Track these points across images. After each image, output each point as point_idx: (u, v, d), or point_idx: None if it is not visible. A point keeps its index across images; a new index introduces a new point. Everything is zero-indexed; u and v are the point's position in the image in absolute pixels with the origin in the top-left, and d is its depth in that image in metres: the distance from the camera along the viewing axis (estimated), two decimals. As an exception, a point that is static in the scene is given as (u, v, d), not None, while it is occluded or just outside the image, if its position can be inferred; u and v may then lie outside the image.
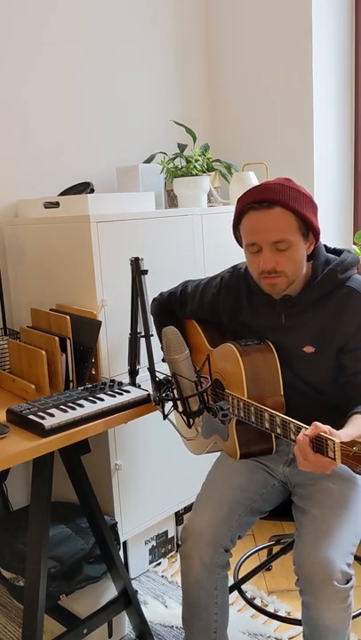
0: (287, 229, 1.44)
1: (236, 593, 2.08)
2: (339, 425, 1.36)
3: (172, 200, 2.49)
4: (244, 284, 1.67)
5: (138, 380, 1.85)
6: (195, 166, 2.34)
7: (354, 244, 2.74)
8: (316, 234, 1.50)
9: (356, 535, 1.45)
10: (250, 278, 1.64)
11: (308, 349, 1.55)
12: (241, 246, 1.56)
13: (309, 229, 1.49)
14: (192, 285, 1.81)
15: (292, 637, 1.94)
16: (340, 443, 1.18)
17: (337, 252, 1.61)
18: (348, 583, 1.37)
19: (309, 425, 1.29)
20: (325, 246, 1.62)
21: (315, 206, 1.50)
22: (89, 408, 1.56)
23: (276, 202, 1.44)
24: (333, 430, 1.25)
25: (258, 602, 2.11)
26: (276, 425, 1.39)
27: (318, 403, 1.59)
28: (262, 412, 1.43)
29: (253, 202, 1.46)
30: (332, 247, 1.63)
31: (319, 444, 1.24)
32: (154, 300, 1.90)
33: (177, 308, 1.85)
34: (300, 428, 1.30)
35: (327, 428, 1.24)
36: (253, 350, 1.56)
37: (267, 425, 1.43)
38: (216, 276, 1.76)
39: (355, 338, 1.50)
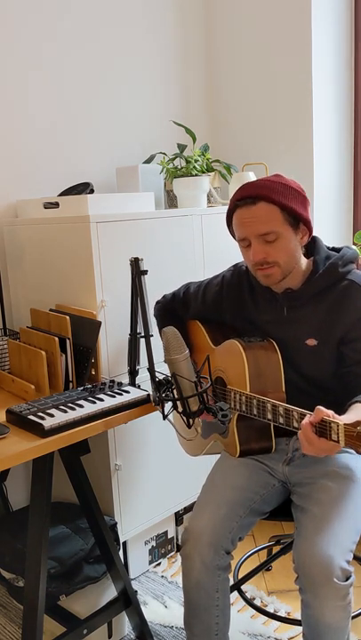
0: (272, 221, 1.49)
1: (235, 593, 2.08)
2: None
3: (171, 200, 2.49)
4: (246, 281, 1.70)
5: (138, 380, 1.85)
6: (194, 166, 2.34)
7: (354, 244, 2.74)
8: (308, 224, 1.54)
9: (355, 532, 1.45)
10: (251, 275, 1.68)
11: (311, 342, 1.57)
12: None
13: (298, 220, 1.52)
14: (194, 286, 1.85)
15: (291, 637, 1.94)
16: (344, 424, 1.20)
17: (336, 250, 1.65)
18: (347, 580, 1.37)
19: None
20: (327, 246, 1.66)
21: (302, 197, 1.53)
22: (89, 408, 1.56)
23: (258, 197, 1.49)
24: (336, 415, 1.26)
25: (258, 602, 2.11)
26: (278, 415, 1.41)
27: (317, 400, 1.59)
28: (265, 404, 1.45)
29: (238, 199, 1.52)
30: (332, 246, 1.67)
31: (323, 428, 1.25)
32: (157, 302, 1.93)
33: (180, 309, 1.87)
34: (304, 415, 1.32)
35: (331, 412, 1.26)
36: (257, 347, 1.58)
37: (269, 416, 1.44)
38: (217, 275, 1.81)
39: (355, 328, 1.53)
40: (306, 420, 1.28)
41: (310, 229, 1.56)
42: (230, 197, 1.58)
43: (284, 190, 1.50)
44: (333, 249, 1.65)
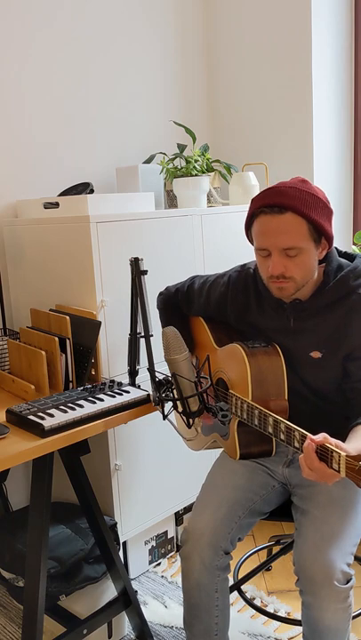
0: (298, 236, 1.42)
1: (235, 593, 2.08)
2: (339, 431, 1.35)
3: (171, 200, 2.49)
4: (253, 285, 1.64)
5: (138, 380, 1.85)
6: (194, 167, 2.34)
7: (354, 244, 2.74)
8: (329, 239, 1.48)
9: (356, 535, 1.45)
10: (259, 279, 1.62)
11: (316, 354, 1.53)
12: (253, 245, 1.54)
13: (322, 234, 1.46)
14: (199, 282, 1.79)
15: (291, 637, 1.94)
16: (346, 456, 1.17)
17: (348, 255, 1.59)
18: (348, 583, 1.37)
19: (313, 433, 1.28)
20: (336, 249, 1.60)
21: (329, 211, 1.46)
22: (89, 408, 1.56)
23: (287, 207, 1.41)
24: (341, 444, 1.23)
25: (258, 602, 2.11)
26: (280, 431, 1.38)
27: (320, 409, 1.59)
28: (266, 417, 1.42)
29: (265, 205, 1.43)
30: (344, 251, 1.61)
31: (324, 454, 1.22)
32: (160, 294, 1.89)
33: (183, 304, 1.83)
34: (305, 437, 1.28)
35: (335, 441, 1.23)
36: (260, 352, 1.54)
37: (270, 430, 1.41)
38: (224, 274, 1.74)
39: None
40: (308, 441, 1.24)
41: (331, 244, 1.49)
42: (252, 200, 1.49)
43: (312, 202, 1.42)
44: (346, 254, 1.59)
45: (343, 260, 1.55)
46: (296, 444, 1.33)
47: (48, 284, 2.09)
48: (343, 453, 1.17)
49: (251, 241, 1.55)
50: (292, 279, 1.46)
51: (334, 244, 1.61)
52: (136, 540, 2.24)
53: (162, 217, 2.10)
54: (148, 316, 1.72)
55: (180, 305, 1.84)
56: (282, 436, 1.38)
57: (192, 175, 2.32)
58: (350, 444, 1.29)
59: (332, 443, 1.22)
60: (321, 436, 1.24)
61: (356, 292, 1.49)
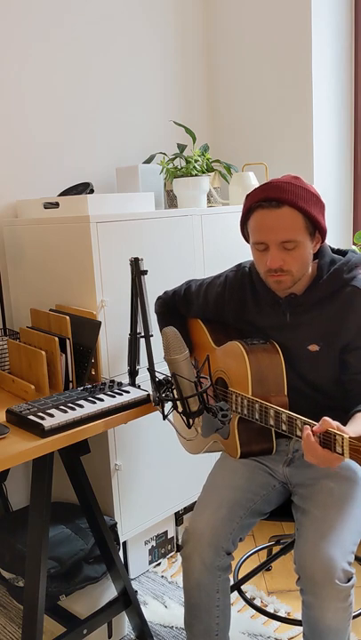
0: (295, 229, 1.45)
1: (235, 593, 2.08)
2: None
3: (171, 200, 2.49)
4: (249, 283, 1.67)
5: (138, 380, 1.85)
6: (194, 167, 2.34)
7: (353, 244, 2.74)
8: (323, 233, 1.51)
9: (357, 534, 1.45)
10: (255, 277, 1.65)
11: (313, 348, 1.55)
12: (248, 243, 1.56)
13: (316, 228, 1.49)
14: (196, 284, 1.82)
15: (291, 637, 1.94)
16: (350, 438, 1.19)
17: (341, 252, 1.62)
18: (349, 582, 1.37)
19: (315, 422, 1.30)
20: (329, 247, 1.63)
21: (322, 205, 1.50)
22: (89, 408, 1.56)
23: (284, 201, 1.44)
24: (342, 426, 1.25)
25: (258, 602, 2.11)
26: (281, 422, 1.40)
27: (318, 404, 1.60)
28: (267, 409, 1.44)
29: (262, 200, 1.46)
30: (336, 248, 1.64)
31: (327, 440, 1.24)
32: (158, 298, 1.90)
33: (181, 307, 1.85)
34: (307, 424, 1.30)
35: (336, 424, 1.25)
36: (259, 350, 1.56)
37: (272, 422, 1.43)
38: (220, 274, 1.77)
39: (359, 336, 1.51)
40: (308, 430, 1.26)
41: (324, 238, 1.53)
42: (247, 196, 1.51)
43: (307, 196, 1.46)
44: (338, 251, 1.62)
45: (336, 255, 1.58)
46: (298, 433, 1.35)
47: (48, 284, 2.09)
48: (346, 436, 1.19)
49: (245, 237, 1.57)
50: (290, 272, 1.49)
51: (333, 245, 1.63)
52: (136, 540, 2.24)
53: (162, 217, 2.11)
54: (148, 315, 1.72)
55: (179, 307, 1.86)
56: (284, 427, 1.39)
57: (192, 175, 2.32)
58: (350, 427, 1.31)
59: (334, 426, 1.24)
60: (322, 422, 1.25)
61: (349, 285, 1.52)
